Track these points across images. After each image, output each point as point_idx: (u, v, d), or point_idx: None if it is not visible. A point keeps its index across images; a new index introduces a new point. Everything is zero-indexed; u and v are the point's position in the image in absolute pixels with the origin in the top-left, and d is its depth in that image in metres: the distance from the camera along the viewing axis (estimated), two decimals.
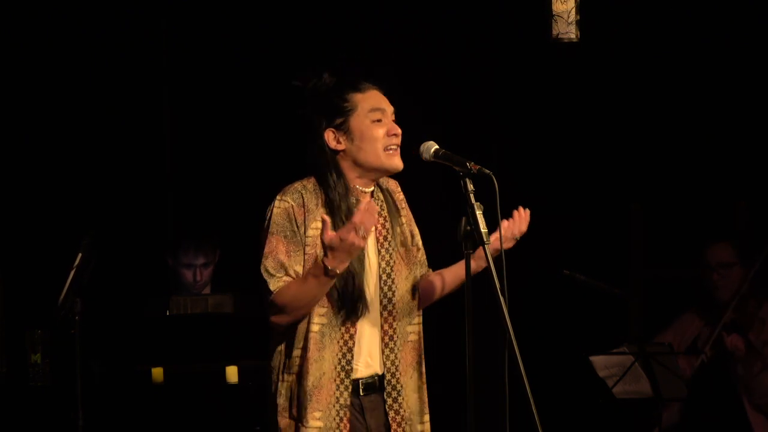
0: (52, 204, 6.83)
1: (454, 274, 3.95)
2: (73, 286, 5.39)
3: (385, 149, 3.77)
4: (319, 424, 3.73)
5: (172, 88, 7.08)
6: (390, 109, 3.82)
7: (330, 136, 3.80)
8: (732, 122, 6.76)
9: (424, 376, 3.92)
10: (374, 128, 3.77)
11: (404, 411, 3.84)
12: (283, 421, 3.78)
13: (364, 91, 3.81)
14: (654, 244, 6.80)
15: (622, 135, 6.87)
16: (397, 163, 3.79)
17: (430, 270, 4.02)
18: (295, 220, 3.75)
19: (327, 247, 3.59)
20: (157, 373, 5.50)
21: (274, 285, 3.70)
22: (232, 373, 5.48)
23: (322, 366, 3.74)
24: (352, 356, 3.77)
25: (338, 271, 3.62)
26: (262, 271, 3.74)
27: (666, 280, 6.69)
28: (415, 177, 3.97)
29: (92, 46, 6.88)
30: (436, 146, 3.68)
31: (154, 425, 5.50)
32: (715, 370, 6.16)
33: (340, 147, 3.79)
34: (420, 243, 3.99)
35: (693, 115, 6.81)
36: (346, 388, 3.76)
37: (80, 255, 5.43)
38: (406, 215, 3.96)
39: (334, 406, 3.75)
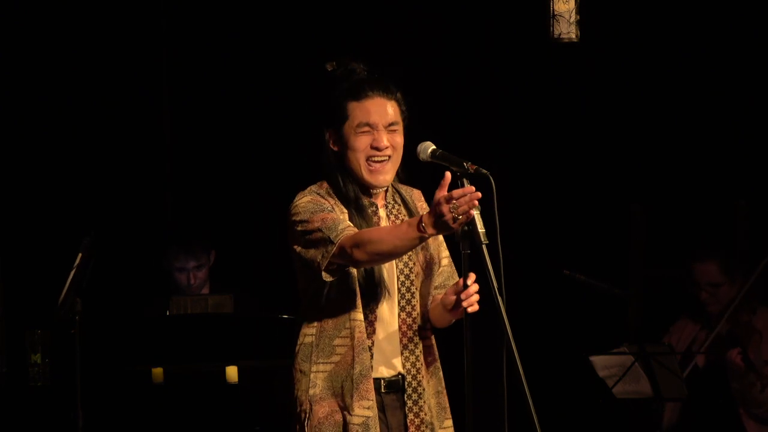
0: (53, 204, 6.84)
1: (439, 313, 3.84)
2: (73, 286, 5.39)
3: (367, 160, 3.73)
4: (369, 413, 3.66)
5: (172, 88, 7.07)
6: (383, 121, 3.73)
7: (328, 136, 3.80)
8: (732, 122, 6.75)
9: (443, 381, 3.87)
10: (359, 138, 3.73)
11: (424, 414, 3.78)
12: (322, 410, 3.68)
13: (361, 101, 3.74)
14: (654, 244, 6.79)
15: (622, 135, 6.87)
16: (376, 179, 3.73)
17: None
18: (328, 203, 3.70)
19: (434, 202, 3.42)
20: (157, 373, 5.50)
21: (340, 234, 3.56)
22: (232, 373, 5.49)
23: (365, 359, 3.69)
24: (371, 356, 3.71)
25: (428, 231, 3.44)
26: (319, 237, 3.60)
27: (666, 280, 6.68)
28: (414, 177, 3.96)
29: (92, 46, 6.88)
30: (433, 146, 3.64)
31: (154, 425, 5.50)
32: (711, 376, 6.14)
33: (336, 149, 3.78)
34: (445, 261, 3.90)
35: (693, 115, 6.81)
36: None
37: (80, 255, 5.43)
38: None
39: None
